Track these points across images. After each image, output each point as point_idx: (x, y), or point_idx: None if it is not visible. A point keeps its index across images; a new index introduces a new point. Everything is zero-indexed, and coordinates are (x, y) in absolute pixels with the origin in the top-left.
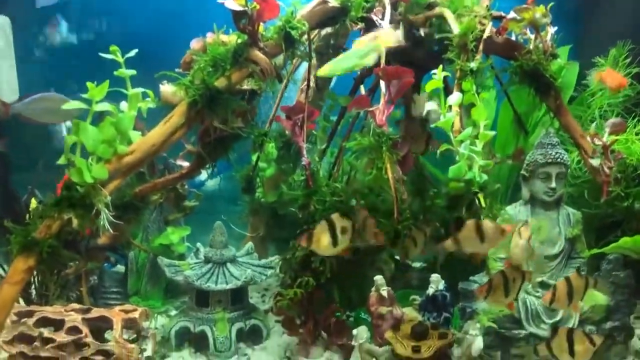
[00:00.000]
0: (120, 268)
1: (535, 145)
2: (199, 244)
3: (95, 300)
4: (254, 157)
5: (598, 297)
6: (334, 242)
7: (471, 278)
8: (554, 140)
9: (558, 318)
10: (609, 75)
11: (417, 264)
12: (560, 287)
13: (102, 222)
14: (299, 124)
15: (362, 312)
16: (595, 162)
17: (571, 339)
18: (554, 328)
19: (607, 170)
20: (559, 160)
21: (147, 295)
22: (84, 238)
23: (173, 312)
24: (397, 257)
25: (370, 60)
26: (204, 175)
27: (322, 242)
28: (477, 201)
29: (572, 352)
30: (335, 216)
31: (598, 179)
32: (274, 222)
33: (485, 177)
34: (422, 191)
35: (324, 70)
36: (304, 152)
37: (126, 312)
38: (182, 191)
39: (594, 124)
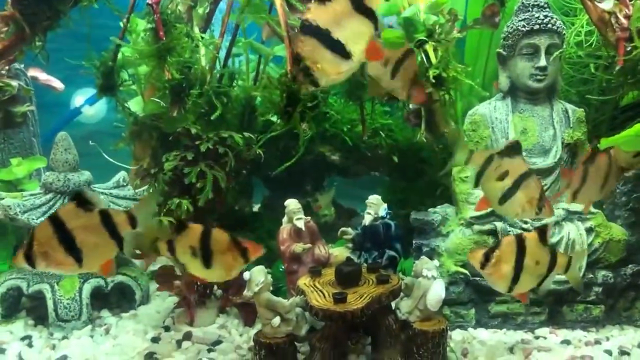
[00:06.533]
0: None
1: (516, 9)
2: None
3: None
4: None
5: (614, 230)
6: None
7: (430, 209)
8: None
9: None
10: None
11: None
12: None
13: None
14: None
15: (281, 265)
16: (605, 5)
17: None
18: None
19: (623, 21)
20: (550, 26)
21: None
22: None
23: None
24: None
25: None
26: (79, 100)
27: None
28: (424, 56)
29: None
30: None
31: (610, 36)
32: (162, 148)
33: (435, 18)
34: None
35: None
36: None
37: None
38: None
39: None
